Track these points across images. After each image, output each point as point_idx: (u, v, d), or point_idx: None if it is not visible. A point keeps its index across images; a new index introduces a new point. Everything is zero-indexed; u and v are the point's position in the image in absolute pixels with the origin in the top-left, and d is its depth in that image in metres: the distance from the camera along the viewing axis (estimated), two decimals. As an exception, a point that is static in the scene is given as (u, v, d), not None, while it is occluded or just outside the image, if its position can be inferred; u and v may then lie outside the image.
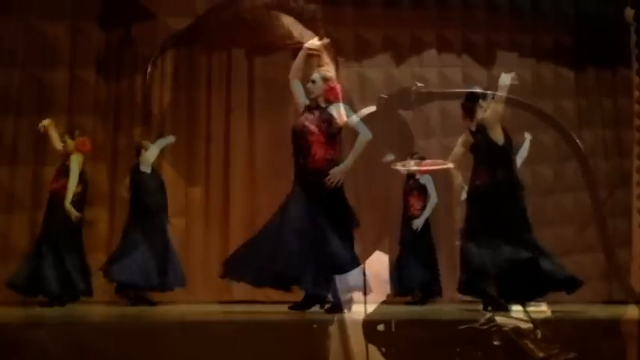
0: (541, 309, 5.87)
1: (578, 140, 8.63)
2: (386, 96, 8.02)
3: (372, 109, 7.16)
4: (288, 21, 8.55)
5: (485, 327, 4.04)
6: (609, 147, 9.37)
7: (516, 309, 5.51)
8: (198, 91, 8.73)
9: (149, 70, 8.38)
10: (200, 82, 8.74)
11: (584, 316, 6.08)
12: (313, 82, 5.78)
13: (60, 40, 8.41)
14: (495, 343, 3.94)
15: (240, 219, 8.50)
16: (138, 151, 7.67)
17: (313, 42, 5.99)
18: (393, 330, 4.33)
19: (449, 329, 4.55)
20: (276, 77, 8.50)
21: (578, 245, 9.05)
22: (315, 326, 4.62)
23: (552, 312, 5.54)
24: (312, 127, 5.62)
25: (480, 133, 6.03)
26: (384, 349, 4.03)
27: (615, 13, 9.10)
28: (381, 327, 4.25)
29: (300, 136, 5.66)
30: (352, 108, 7.31)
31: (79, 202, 7.35)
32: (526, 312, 5.08)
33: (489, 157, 6.01)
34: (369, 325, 4.35)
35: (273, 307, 6.75)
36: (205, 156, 8.67)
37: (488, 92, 6.09)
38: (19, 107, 8.24)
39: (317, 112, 5.71)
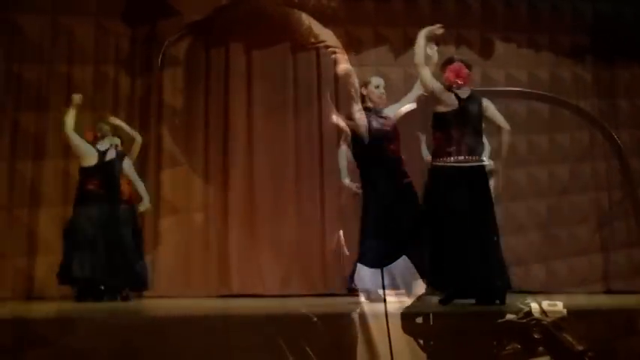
0: (556, 308, 5.89)
1: (617, 138, 8.70)
2: (426, 93, 8.05)
3: (413, 106, 7.12)
4: (309, 19, 8.61)
5: (524, 320, 4.10)
6: (626, 147, 9.40)
7: (534, 307, 5.52)
8: (198, 85, 8.70)
9: (160, 58, 8.41)
10: (200, 77, 8.71)
11: (600, 312, 6.10)
12: None
13: (85, 37, 8.45)
14: (535, 336, 4.00)
15: (240, 213, 8.52)
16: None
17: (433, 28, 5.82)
18: (429, 323, 4.39)
19: (482, 322, 4.59)
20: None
21: (593, 245, 9.10)
22: (315, 320, 4.60)
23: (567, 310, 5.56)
24: None
25: None
26: (421, 341, 4.10)
27: (633, 12, 9.17)
28: (419, 320, 4.31)
29: None
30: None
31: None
32: (542, 310, 5.11)
33: None
34: (404, 318, 4.39)
35: (272, 300, 6.80)
36: (204, 151, 8.65)
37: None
38: (45, 103, 8.26)
39: None
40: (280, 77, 8.82)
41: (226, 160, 8.63)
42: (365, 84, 6.35)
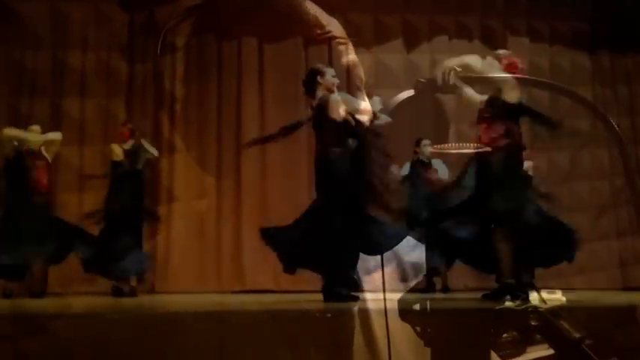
0: (555, 296, 5.89)
1: (617, 125, 8.68)
2: (424, 80, 7.99)
3: (410, 92, 7.06)
4: (315, 8, 8.54)
5: (522, 308, 4.09)
6: (624, 134, 9.36)
7: (531, 295, 5.51)
8: (209, 78, 8.67)
9: (161, 39, 8.37)
10: (211, 69, 8.68)
11: (599, 303, 6.11)
12: None
13: (83, 23, 8.41)
14: (533, 323, 3.99)
15: (253, 209, 8.47)
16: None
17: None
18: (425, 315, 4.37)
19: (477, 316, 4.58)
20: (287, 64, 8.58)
21: (593, 233, 9.07)
22: (329, 315, 4.59)
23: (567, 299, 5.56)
24: None
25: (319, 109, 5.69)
26: (418, 329, 4.09)
27: (632, -1, 9.13)
28: (416, 306, 4.29)
29: None
30: (369, 94, 7.32)
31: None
32: (541, 298, 5.10)
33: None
34: (400, 312, 4.36)
35: (285, 296, 6.78)
36: (217, 144, 8.63)
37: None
38: (44, 90, 8.25)
39: None
40: (292, 68, 8.69)
41: (239, 154, 8.58)
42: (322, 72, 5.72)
